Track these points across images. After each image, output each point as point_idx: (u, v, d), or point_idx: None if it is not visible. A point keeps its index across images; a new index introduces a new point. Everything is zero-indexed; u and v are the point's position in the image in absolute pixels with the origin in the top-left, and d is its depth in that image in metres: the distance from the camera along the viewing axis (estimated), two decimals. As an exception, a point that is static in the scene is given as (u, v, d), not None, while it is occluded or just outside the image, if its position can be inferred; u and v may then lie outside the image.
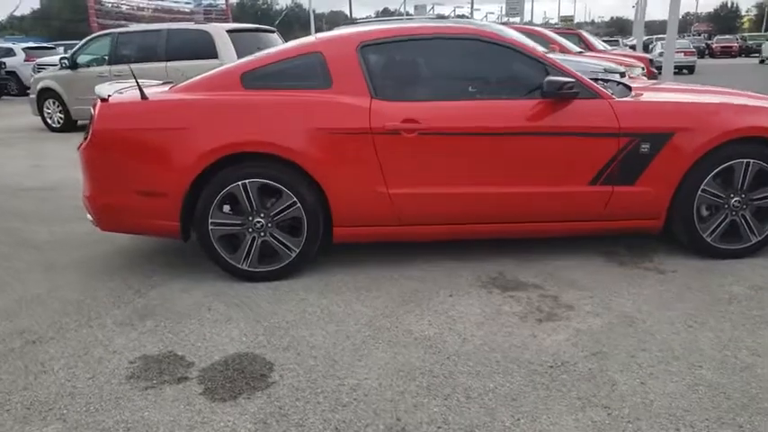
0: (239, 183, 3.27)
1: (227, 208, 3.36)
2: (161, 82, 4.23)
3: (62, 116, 10.33)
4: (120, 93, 3.55)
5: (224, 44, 8.82)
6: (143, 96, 3.36)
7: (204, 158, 3.23)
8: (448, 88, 3.50)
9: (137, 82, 3.44)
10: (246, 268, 3.41)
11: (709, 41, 44.00)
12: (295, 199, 3.31)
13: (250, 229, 3.36)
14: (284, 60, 3.47)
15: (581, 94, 3.32)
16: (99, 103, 3.39)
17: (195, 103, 3.32)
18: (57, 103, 10.30)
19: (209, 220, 3.33)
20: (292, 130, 3.26)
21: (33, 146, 8.88)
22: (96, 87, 3.51)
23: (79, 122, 10.33)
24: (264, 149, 3.25)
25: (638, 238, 3.88)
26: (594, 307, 2.98)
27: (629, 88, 3.81)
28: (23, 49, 18.99)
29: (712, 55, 39.25)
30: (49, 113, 10.43)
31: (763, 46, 30.92)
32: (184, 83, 3.50)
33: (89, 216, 3.60)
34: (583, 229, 3.55)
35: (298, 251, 3.40)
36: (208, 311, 3.07)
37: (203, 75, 3.55)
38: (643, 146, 3.32)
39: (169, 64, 8.96)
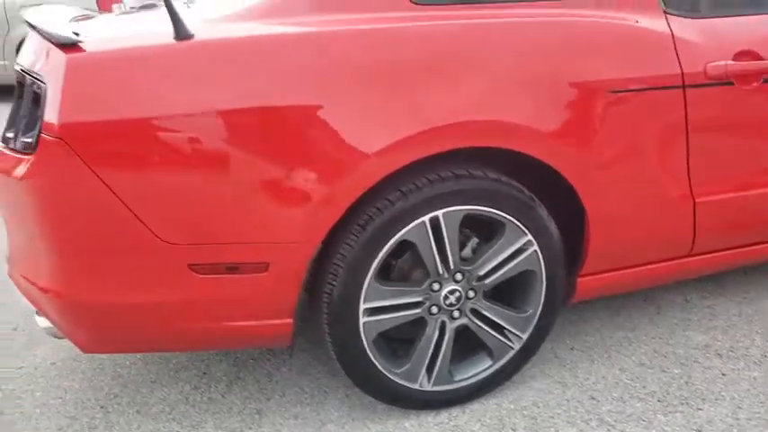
0: (426, 217, 1.48)
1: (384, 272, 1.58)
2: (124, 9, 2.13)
3: None
4: (104, 30, 1.53)
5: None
6: (180, 33, 1.35)
7: (370, 171, 1.39)
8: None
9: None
10: (429, 389, 1.65)
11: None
12: (530, 236, 1.59)
13: (434, 309, 1.59)
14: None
15: None
16: (59, 54, 1.33)
17: (325, 42, 1.41)
18: None
19: (361, 304, 1.51)
20: (530, 91, 1.51)
21: None
22: (26, 14, 1.44)
23: None
24: (485, 141, 1.47)
25: None
26: None
27: None
28: None
29: None
30: None
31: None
32: None
33: (42, 321, 1.58)
34: None
35: (525, 336, 1.69)
36: None
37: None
38: None
39: None
